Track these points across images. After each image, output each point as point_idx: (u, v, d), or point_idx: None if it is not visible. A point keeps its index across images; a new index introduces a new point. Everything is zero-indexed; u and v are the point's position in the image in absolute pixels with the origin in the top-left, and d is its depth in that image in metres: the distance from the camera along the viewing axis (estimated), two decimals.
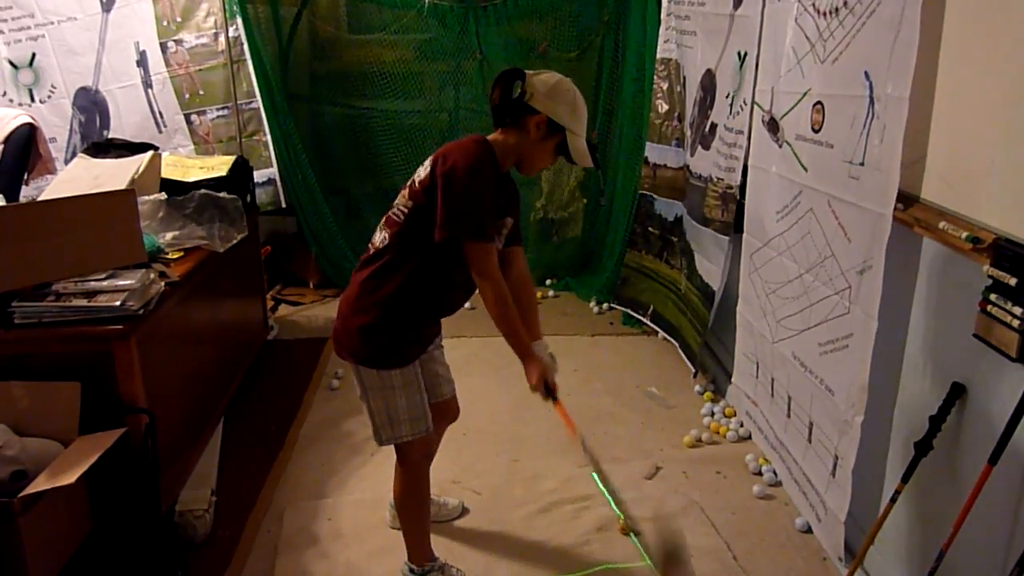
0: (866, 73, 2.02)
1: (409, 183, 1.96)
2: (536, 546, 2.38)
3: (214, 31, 4.19)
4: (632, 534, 2.40)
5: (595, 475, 2.55)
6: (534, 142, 1.94)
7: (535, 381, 1.94)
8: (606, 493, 2.50)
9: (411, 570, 2.18)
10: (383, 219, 1.99)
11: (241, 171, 3.34)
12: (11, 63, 4.18)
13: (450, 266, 1.92)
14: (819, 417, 2.37)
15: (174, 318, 2.43)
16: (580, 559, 2.32)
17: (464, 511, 2.55)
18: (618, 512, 2.45)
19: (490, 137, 1.98)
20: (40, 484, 1.74)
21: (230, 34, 4.17)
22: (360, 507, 2.56)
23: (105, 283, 2.12)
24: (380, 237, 1.97)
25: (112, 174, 2.74)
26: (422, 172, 1.92)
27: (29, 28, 4.14)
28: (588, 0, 4.46)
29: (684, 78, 3.63)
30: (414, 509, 2.16)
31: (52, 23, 4.14)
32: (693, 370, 3.47)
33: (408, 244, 1.91)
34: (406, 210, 1.92)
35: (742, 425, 3.05)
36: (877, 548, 2.09)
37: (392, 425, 2.01)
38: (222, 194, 2.89)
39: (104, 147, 3.03)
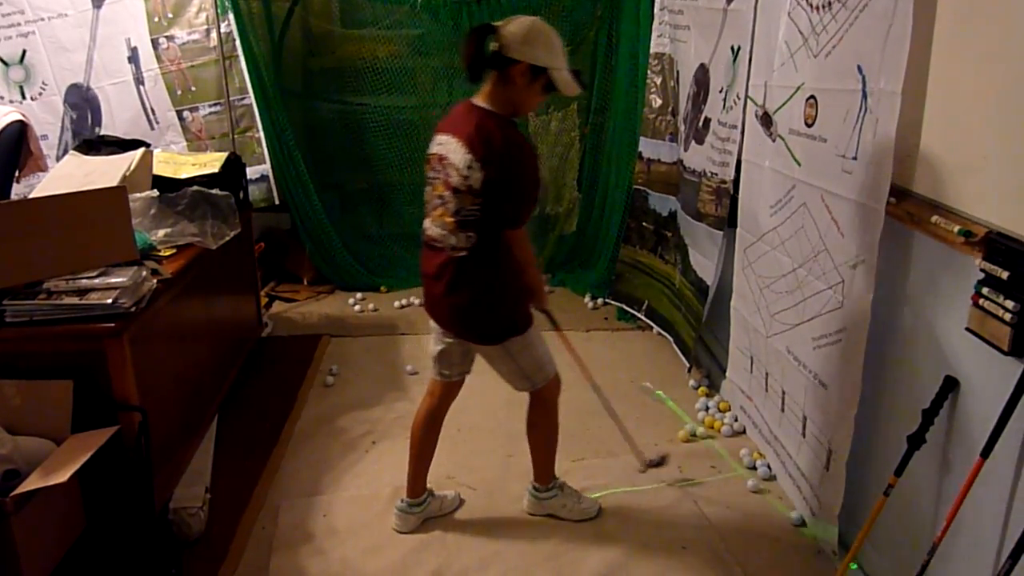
0: (859, 67, 2.02)
1: (452, 185, 2.05)
2: (532, 542, 2.38)
3: (206, 27, 4.17)
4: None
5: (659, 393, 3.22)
6: (522, 88, 2.06)
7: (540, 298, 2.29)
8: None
9: (536, 488, 2.48)
10: (448, 225, 2.09)
11: (234, 168, 3.33)
12: (1, 60, 4.15)
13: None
14: (813, 411, 2.38)
15: (167, 316, 2.42)
16: (576, 554, 2.33)
17: (460, 502, 2.57)
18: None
19: (482, 100, 2.08)
20: (33, 483, 1.74)
21: (222, 30, 4.15)
22: (355, 503, 2.56)
23: (97, 281, 2.11)
24: (459, 238, 2.08)
25: (104, 171, 2.73)
26: (467, 172, 2.01)
27: (19, 24, 4.12)
28: None
29: (677, 73, 3.63)
30: (554, 435, 2.44)
31: (43, 19, 4.11)
32: (688, 365, 3.48)
33: (487, 233, 2.09)
34: (478, 207, 2.05)
35: (736, 420, 3.05)
36: (870, 541, 2.10)
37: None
38: (215, 191, 2.87)
39: (96, 144, 3.01)
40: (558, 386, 2.38)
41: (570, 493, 2.50)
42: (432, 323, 2.31)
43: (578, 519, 2.46)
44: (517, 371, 2.27)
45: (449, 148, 2.07)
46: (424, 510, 2.45)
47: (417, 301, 4.43)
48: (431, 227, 2.16)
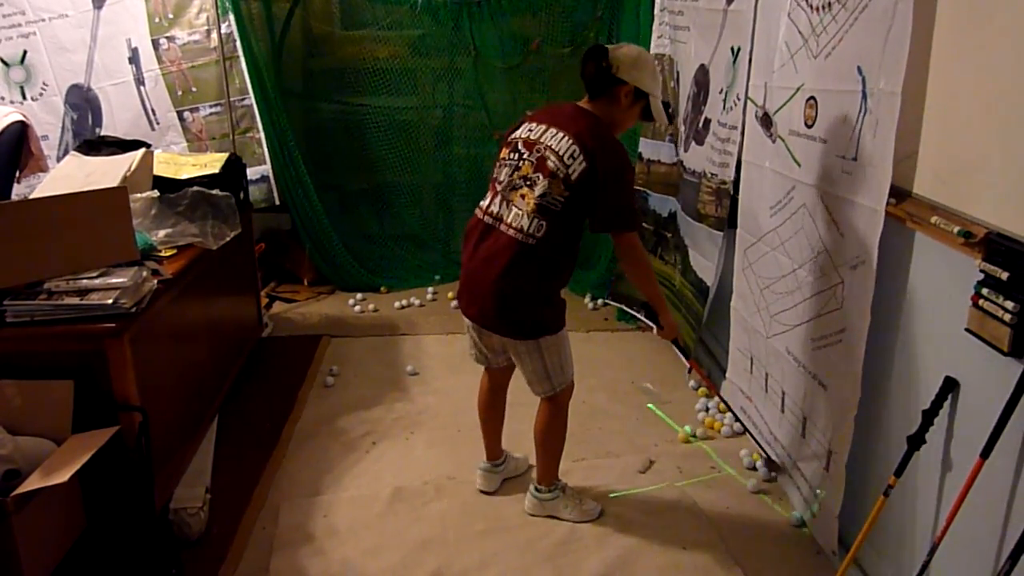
0: (859, 68, 2.02)
1: (547, 168, 2.12)
2: (532, 542, 2.39)
3: (206, 28, 4.18)
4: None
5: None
6: (624, 108, 2.22)
7: (672, 331, 2.47)
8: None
9: (537, 489, 2.50)
10: (525, 207, 2.15)
11: (234, 168, 3.33)
12: (2, 61, 4.16)
13: (577, 241, 2.25)
14: (812, 412, 2.38)
15: (167, 316, 2.42)
16: (576, 554, 2.33)
17: (530, 466, 2.71)
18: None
19: (590, 108, 2.22)
20: (33, 483, 1.74)
21: (222, 31, 4.15)
22: (355, 504, 2.56)
23: (97, 281, 2.11)
24: (532, 224, 2.13)
25: (104, 172, 2.73)
26: (570, 160, 2.10)
27: (20, 25, 4.12)
28: None
29: (678, 73, 3.63)
30: (561, 440, 2.49)
31: (43, 20, 4.12)
32: (688, 365, 3.48)
33: (559, 228, 2.16)
34: (562, 199, 2.12)
35: (736, 420, 3.05)
36: (870, 542, 2.10)
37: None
38: (215, 191, 2.87)
39: (96, 145, 3.01)
40: (572, 391, 2.42)
41: (572, 494, 2.50)
42: (467, 322, 2.35)
43: (580, 520, 2.46)
44: (542, 370, 2.31)
45: (548, 135, 2.16)
46: (503, 469, 2.64)
47: (417, 302, 4.44)
48: (500, 207, 2.21)
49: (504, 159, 2.25)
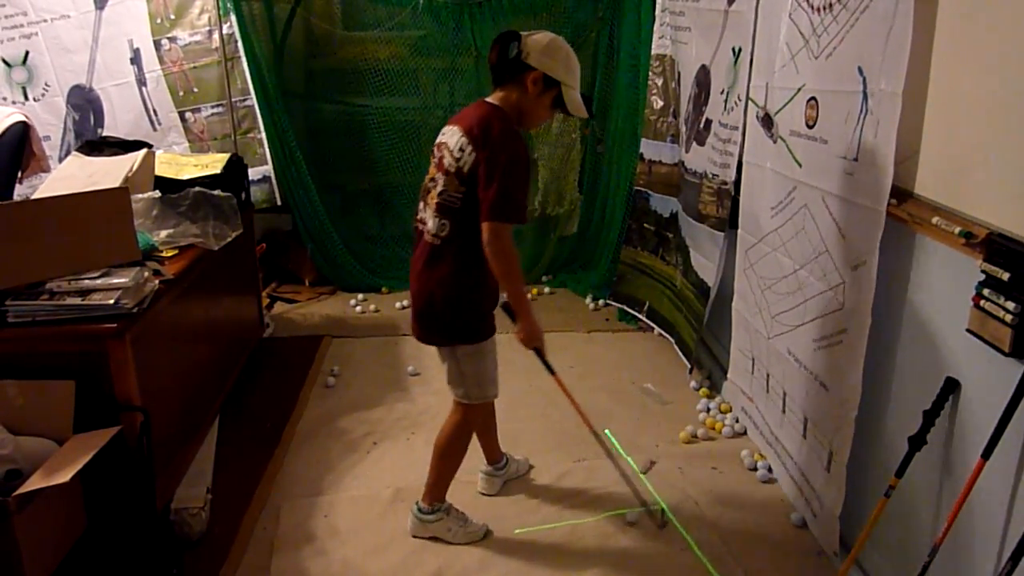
0: (860, 69, 2.03)
1: (443, 166, 2.09)
2: (532, 542, 2.39)
3: (208, 28, 4.18)
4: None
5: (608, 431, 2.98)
6: (532, 97, 2.10)
7: (532, 338, 2.15)
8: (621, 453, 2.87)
9: (420, 509, 2.36)
10: (432, 207, 2.11)
11: (236, 169, 3.34)
12: (4, 61, 4.17)
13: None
14: (814, 412, 2.38)
15: (169, 316, 2.42)
16: (576, 556, 2.33)
17: (530, 467, 2.75)
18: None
19: (494, 99, 2.14)
20: (35, 483, 1.74)
21: (224, 31, 4.16)
22: (356, 504, 2.56)
23: (99, 281, 2.11)
24: (436, 224, 2.10)
25: (106, 172, 2.74)
26: (460, 154, 2.05)
27: (22, 26, 4.13)
28: None
29: (679, 74, 3.63)
30: (458, 457, 2.35)
31: (45, 21, 4.13)
32: (689, 366, 3.48)
33: (462, 227, 2.08)
34: (460, 195, 2.06)
35: (737, 421, 3.05)
36: (871, 543, 2.09)
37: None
38: (217, 192, 2.88)
39: (98, 145, 3.01)
40: (483, 415, 2.37)
41: (456, 516, 2.37)
42: None
43: (464, 543, 2.34)
44: (457, 374, 2.23)
45: (448, 134, 2.13)
46: (505, 472, 2.63)
47: None
48: (423, 212, 2.19)
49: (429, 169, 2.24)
